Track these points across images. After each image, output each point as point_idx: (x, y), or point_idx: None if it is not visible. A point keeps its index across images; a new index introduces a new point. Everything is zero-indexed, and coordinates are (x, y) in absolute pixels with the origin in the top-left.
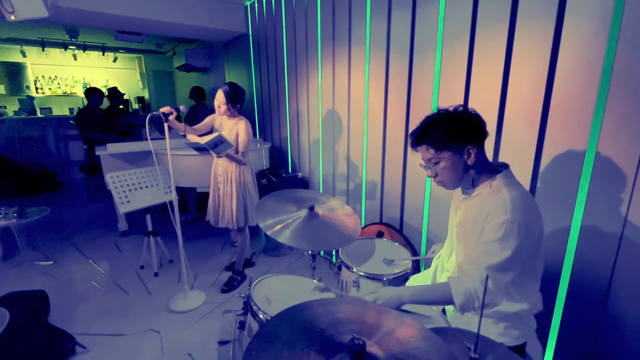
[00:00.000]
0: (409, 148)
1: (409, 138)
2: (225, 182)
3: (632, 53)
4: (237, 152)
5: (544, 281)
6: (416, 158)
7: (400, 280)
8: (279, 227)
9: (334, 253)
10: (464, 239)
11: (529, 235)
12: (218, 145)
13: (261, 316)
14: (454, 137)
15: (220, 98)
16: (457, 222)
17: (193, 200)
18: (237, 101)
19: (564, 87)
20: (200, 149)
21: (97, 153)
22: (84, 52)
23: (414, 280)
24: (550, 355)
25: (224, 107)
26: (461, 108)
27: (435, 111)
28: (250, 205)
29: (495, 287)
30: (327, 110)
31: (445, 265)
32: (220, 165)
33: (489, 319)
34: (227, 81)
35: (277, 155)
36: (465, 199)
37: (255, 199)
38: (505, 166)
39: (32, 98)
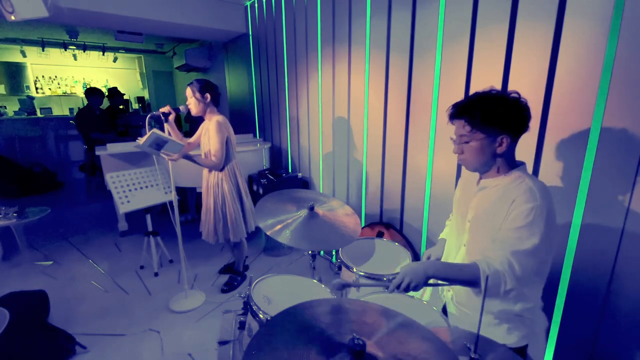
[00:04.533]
0: (409, 148)
1: (449, 108)
2: (205, 191)
3: (632, 53)
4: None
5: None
6: (416, 158)
7: None
8: (279, 227)
9: (334, 253)
10: (482, 228)
11: (553, 224)
12: (162, 146)
13: (261, 316)
14: (494, 122)
15: (187, 93)
16: (470, 216)
17: (193, 200)
18: (206, 89)
19: (564, 86)
20: (154, 153)
21: (97, 153)
22: (84, 52)
23: None
24: (550, 356)
25: (192, 100)
26: (515, 94)
27: (487, 90)
28: (231, 221)
29: (522, 272)
30: (327, 110)
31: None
32: (203, 172)
33: (492, 320)
34: (226, 81)
35: (277, 155)
36: (482, 189)
37: (236, 214)
38: (522, 163)
39: (32, 98)
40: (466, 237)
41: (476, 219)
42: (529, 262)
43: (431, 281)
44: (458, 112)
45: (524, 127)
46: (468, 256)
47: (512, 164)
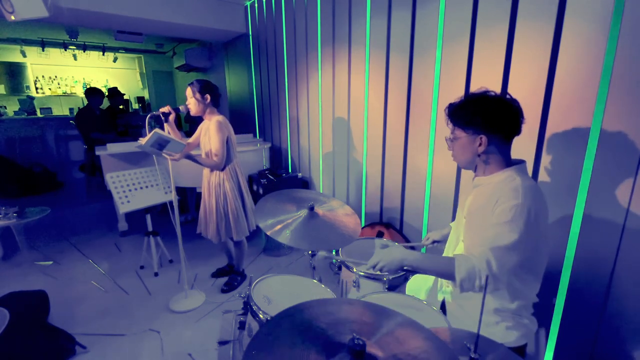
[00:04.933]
0: (409, 148)
1: (445, 108)
2: (206, 191)
3: (632, 53)
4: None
5: (544, 280)
6: (416, 158)
7: (401, 279)
8: (279, 227)
9: (334, 253)
10: (473, 225)
11: (537, 224)
12: (164, 146)
13: (261, 316)
14: (472, 122)
15: (187, 93)
16: (465, 212)
17: (193, 200)
18: (205, 90)
19: (564, 86)
20: (156, 153)
21: (97, 153)
22: (84, 52)
23: (415, 280)
24: (550, 356)
25: (192, 100)
26: (508, 96)
27: (482, 91)
28: (234, 219)
29: (499, 269)
30: (327, 110)
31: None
32: (204, 172)
33: (490, 319)
34: (226, 81)
35: (277, 155)
36: (476, 187)
37: (238, 212)
38: (521, 161)
39: (32, 98)
40: (462, 233)
41: (469, 216)
42: (507, 258)
43: (407, 267)
44: (447, 112)
45: (507, 129)
46: (464, 252)
47: (507, 163)
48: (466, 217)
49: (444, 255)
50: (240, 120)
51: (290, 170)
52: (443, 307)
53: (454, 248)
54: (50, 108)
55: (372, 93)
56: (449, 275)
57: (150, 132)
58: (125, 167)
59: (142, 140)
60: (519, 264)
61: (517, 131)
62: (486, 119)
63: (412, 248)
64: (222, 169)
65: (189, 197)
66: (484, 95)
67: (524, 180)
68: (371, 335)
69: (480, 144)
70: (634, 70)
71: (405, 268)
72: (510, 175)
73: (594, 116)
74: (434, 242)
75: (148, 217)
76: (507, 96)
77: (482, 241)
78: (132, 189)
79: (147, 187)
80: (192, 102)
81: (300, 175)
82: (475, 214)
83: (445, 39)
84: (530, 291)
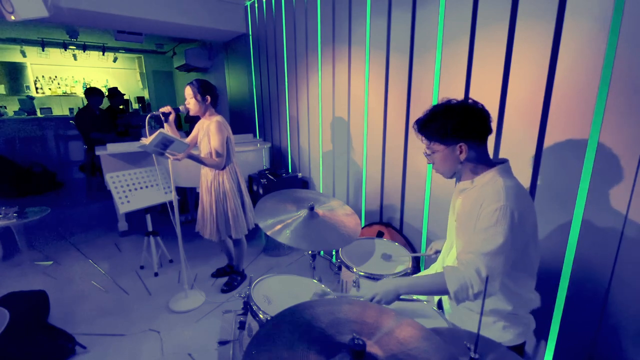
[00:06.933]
0: (409, 148)
1: (414, 125)
2: (205, 190)
3: (632, 53)
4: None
5: (544, 281)
6: (416, 158)
7: None
8: (279, 227)
9: (334, 253)
10: (462, 230)
11: (522, 224)
12: (168, 146)
13: (261, 316)
14: (447, 134)
15: (187, 93)
16: (455, 216)
17: (193, 200)
18: (206, 91)
19: (564, 86)
20: (158, 153)
21: (97, 153)
22: (84, 52)
23: None
24: (550, 356)
25: (193, 101)
26: (470, 101)
27: (440, 102)
28: (233, 217)
29: (489, 274)
30: (327, 110)
31: (445, 261)
32: (202, 172)
33: (487, 319)
34: (226, 81)
35: (277, 155)
36: (463, 190)
37: (237, 210)
38: (504, 161)
39: (32, 98)
40: (454, 236)
41: (459, 220)
42: (496, 262)
43: (405, 296)
44: (417, 128)
45: (481, 132)
46: (456, 258)
47: (488, 163)
48: (456, 221)
49: (439, 259)
50: (240, 120)
51: (290, 170)
52: (440, 306)
53: (448, 253)
54: (50, 108)
55: (372, 93)
56: (443, 291)
57: (150, 132)
58: (125, 167)
59: (146, 140)
60: (509, 265)
61: (489, 131)
62: (460, 127)
63: (418, 261)
64: (222, 169)
65: (189, 197)
66: (449, 105)
67: (505, 181)
68: (371, 335)
69: (461, 152)
70: (634, 70)
71: (402, 297)
72: (493, 177)
73: (593, 117)
74: (436, 252)
75: (148, 217)
76: (470, 100)
77: (470, 248)
78: (132, 189)
79: (147, 187)
80: (192, 102)
81: (300, 175)
82: (464, 218)
83: (445, 39)
84: (525, 289)
